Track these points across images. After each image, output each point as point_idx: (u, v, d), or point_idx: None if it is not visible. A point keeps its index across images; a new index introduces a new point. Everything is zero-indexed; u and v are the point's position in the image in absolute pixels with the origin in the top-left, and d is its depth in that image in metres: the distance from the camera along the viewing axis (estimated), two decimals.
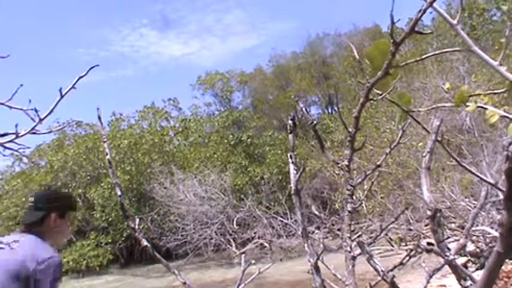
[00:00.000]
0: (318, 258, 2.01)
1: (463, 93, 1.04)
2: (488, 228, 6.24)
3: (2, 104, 1.41)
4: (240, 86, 23.85)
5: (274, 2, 42.59)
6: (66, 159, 18.66)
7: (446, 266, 1.95)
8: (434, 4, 1.00)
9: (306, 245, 2.04)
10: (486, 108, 1.00)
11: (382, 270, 1.98)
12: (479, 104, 1.03)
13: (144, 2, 46.13)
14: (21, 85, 1.44)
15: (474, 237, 6.79)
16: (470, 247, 7.21)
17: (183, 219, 15.15)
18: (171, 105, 22.43)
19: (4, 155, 1.52)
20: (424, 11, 1.06)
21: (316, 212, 12.97)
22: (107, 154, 1.65)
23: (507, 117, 0.95)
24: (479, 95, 1.09)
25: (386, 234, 8.78)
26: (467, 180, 7.22)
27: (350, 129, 1.79)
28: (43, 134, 1.52)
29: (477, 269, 6.72)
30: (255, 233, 14.45)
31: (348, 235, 1.95)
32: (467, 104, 1.04)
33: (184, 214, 15.18)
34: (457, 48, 1.19)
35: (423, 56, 1.27)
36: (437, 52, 1.29)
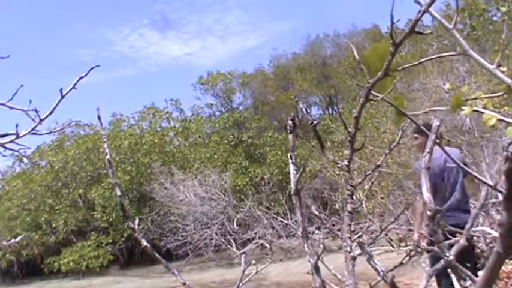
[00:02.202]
0: (318, 259, 2.01)
1: (459, 97, 1.04)
2: (488, 229, 6.22)
3: (3, 104, 1.41)
4: (241, 87, 23.84)
5: (274, 2, 42.52)
6: (66, 159, 18.68)
7: None
8: (430, 9, 1.00)
9: (306, 245, 2.04)
10: (483, 112, 1.00)
11: (382, 271, 1.98)
12: (475, 108, 1.03)
13: (144, 2, 46.07)
14: (22, 85, 1.44)
15: (474, 237, 6.77)
16: None
17: (184, 219, 15.15)
18: (173, 106, 22.47)
19: (4, 156, 1.53)
20: (424, 13, 1.07)
21: (316, 213, 12.87)
22: (106, 154, 1.65)
23: (504, 120, 0.95)
24: (475, 99, 1.09)
25: (386, 235, 8.75)
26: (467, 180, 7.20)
27: (350, 130, 1.79)
28: (43, 134, 1.53)
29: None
30: (255, 233, 14.44)
31: (348, 235, 1.95)
32: (463, 107, 1.04)
33: (185, 214, 15.18)
34: (453, 52, 1.19)
35: (421, 60, 1.28)
36: (434, 56, 1.29)
